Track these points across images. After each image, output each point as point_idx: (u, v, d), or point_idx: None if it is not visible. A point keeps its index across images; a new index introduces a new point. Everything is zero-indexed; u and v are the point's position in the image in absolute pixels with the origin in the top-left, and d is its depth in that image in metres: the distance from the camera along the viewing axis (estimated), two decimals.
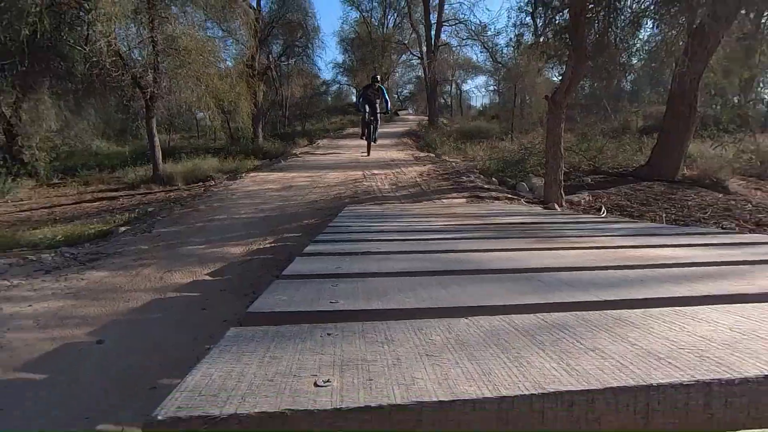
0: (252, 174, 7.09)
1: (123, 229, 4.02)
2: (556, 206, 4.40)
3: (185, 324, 1.92)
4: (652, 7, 5.59)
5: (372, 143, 8.27)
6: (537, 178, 5.77)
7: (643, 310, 0.69)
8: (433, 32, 16.50)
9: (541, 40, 6.95)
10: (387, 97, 7.96)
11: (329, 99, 24.51)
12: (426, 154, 9.12)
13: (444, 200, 4.51)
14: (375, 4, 19.42)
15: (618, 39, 5.71)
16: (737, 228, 4.04)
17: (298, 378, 0.47)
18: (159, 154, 7.90)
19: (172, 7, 8.04)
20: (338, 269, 1.07)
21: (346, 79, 22.37)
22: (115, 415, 1.27)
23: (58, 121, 9.36)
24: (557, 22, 6.58)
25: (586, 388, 0.43)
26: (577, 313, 0.68)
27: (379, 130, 8.45)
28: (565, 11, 5.75)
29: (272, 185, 5.88)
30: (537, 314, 0.67)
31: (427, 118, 17.00)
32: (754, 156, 7.44)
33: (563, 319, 0.64)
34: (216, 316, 1.96)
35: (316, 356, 0.53)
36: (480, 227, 2.22)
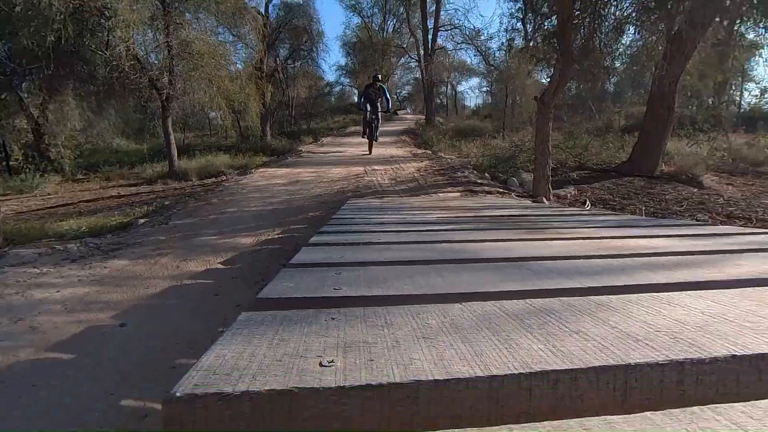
0: (261, 170, 7.06)
1: (142, 221, 4.01)
2: (544, 200, 4.39)
3: (200, 309, 1.92)
4: (633, 14, 5.57)
5: (374, 141, 7.99)
6: (526, 174, 5.75)
7: (623, 295, 0.69)
8: (430, 37, 16.38)
9: (531, 44, 6.91)
10: (388, 96, 7.69)
11: (333, 99, 24.33)
12: (423, 151, 9.07)
13: (440, 194, 4.49)
14: (375, 10, 19.22)
15: (602, 44, 5.69)
16: (710, 220, 4.04)
17: (305, 359, 0.47)
18: (174, 152, 7.86)
19: (186, 14, 7.95)
20: (341, 258, 1.07)
21: (348, 80, 22.20)
22: (137, 392, 1.28)
23: (81, 121, 9.33)
24: (546, 27, 6.54)
25: (570, 368, 0.44)
26: (563, 298, 0.68)
27: (380, 129, 8.13)
28: (553, 17, 5.70)
29: (280, 180, 5.86)
30: (526, 300, 0.67)
31: (424, 117, 16.92)
32: (726, 153, 7.46)
33: (550, 305, 0.65)
34: (228, 301, 1.96)
35: (321, 339, 0.53)
36: (473, 219, 2.22)
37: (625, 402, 0.43)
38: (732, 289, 0.72)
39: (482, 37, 16.81)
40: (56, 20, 6.10)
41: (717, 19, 5.14)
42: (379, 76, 8.06)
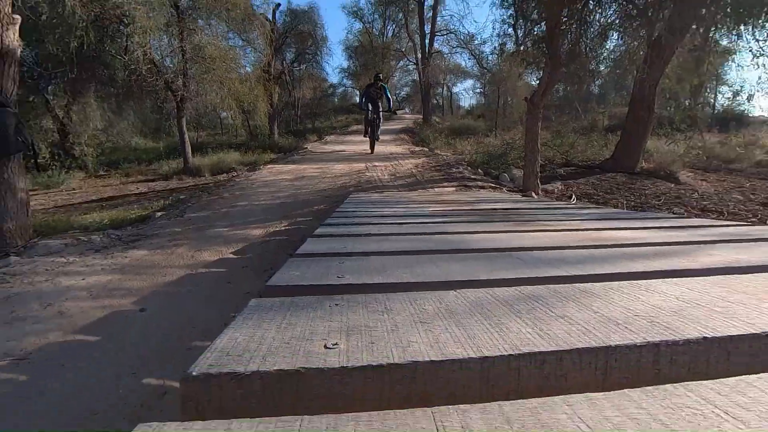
0: (269, 166, 7.03)
1: (159, 214, 4.01)
2: (533, 194, 4.39)
3: (213, 295, 1.93)
4: (617, 21, 5.55)
5: (376, 141, 7.55)
6: (517, 170, 5.73)
7: (605, 283, 0.69)
8: (427, 41, 16.27)
9: (522, 48, 6.87)
10: (389, 95, 7.28)
11: (336, 100, 24.17)
12: (420, 148, 9.03)
13: (436, 189, 4.48)
14: (376, 16, 19.00)
15: (588, 49, 5.67)
16: (685, 213, 4.04)
17: (311, 341, 0.47)
18: (188, 149, 7.83)
19: (199, 20, 7.88)
20: (344, 249, 1.06)
21: (350, 82, 22.03)
22: (157, 371, 1.29)
23: (102, 121, 9.32)
24: (535, 33, 6.50)
25: (556, 350, 0.44)
26: (550, 286, 0.68)
27: (380, 128, 7.66)
28: (542, 24, 5.66)
29: (286, 176, 5.84)
30: (515, 287, 0.67)
31: (421, 116, 16.82)
32: (701, 152, 7.45)
33: (537, 291, 0.65)
34: (239, 289, 1.96)
35: (326, 323, 0.53)
36: (467, 212, 2.22)
37: (606, 381, 0.44)
38: (704, 277, 0.72)
39: (476, 42, 16.80)
40: (79, 27, 6.15)
41: (694, 27, 5.16)
42: (381, 76, 7.65)
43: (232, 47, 8.84)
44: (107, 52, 7.48)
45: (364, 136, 7.74)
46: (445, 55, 18.38)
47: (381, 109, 7.18)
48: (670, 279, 0.71)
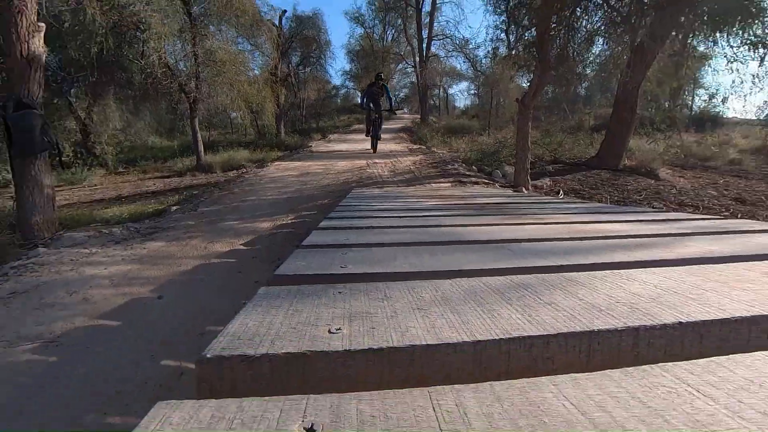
0: (276, 163, 7.01)
1: (174, 208, 4.00)
2: (524, 189, 4.38)
3: (225, 284, 1.93)
4: (602, 28, 5.53)
5: (378, 140, 7.22)
6: (509, 167, 5.70)
7: (589, 272, 0.69)
8: (424, 45, 16.10)
9: (513, 53, 6.81)
10: (390, 94, 7.00)
11: (339, 101, 23.97)
12: (418, 146, 8.98)
13: (433, 184, 4.47)
14: (376, 21, 18.79)
15: (575, 53, 5.64)
16: (664, 207, 4.04)
17: (316, 326, 0.47)
18: (201, 147, 7.79)
19: (210, 26, 7.79)
20: (347, 240, 1.06)
21: (352, 84, 21.84)
22: (173, 354, 1.30)
23: (121, 122, 9.30)
24: (526, 38, 6.44)
25: (543, 334, 0.44)
26: (538, 275, 0.68)
27: (382, 127, 7.34)
28: (533, 29, 5.61)
29: (292, 172, 5.82)
30: (506, 276, 0.67)
31: (419, 116, 16.71)
32: (679, 150, 7.43)
33: (527, 280, 0.65)
34: (249, 278, 1.96)
35: (330, 309, 0.53)
36: (462, 206, 2.21)
37: (589, 362, 0.44)
38: (680, 267, 0.72)
39: (470, 46, 16.61)
40: (99, 34, 6.19)
41: (673, 34, 5.16)
42: (382, 75, 7.31)
43: (242, 51, 8.76)
44: (125, 56, 7.45)
45: (366, 136, 7.39)
46: (442, 59, 18.18)
47: (383, 108, 6.90)
48: (649, 268, 0.72)
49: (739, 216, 3.64)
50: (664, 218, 1.62)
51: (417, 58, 16.66)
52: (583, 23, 5.51)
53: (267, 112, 9.53)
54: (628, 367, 0.38)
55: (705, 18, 4.65)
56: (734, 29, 4.68)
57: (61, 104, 8.16)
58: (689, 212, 3.56)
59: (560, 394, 0.34)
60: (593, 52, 6.31)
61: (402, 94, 27.43)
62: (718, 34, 4.88)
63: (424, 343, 0.42)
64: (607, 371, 0.38)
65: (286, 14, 12.98)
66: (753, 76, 5.22)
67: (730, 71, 5.11)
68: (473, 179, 4.80)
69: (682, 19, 4.72)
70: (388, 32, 19.23)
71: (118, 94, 8.79)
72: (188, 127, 8.39)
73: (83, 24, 6.07)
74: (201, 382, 0.40)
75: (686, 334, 0.46)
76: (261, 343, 0.42)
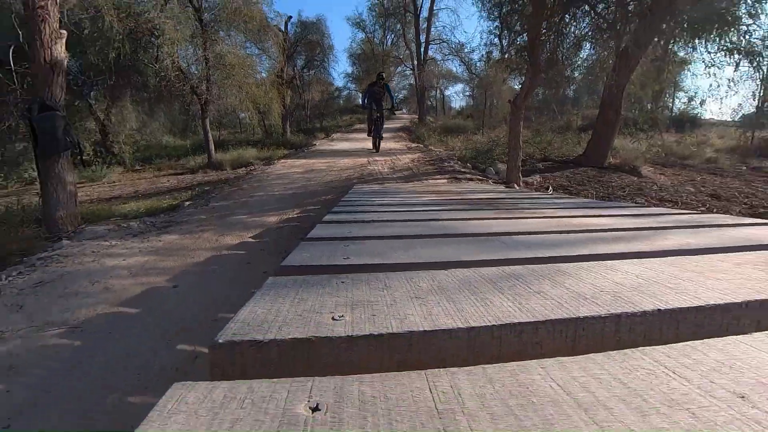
0: (282, 161, 6.97)
1: (187, 203, 3.99)
2: (516, 186, 4.37)
3: (235, 274, 1.94)
4: (590, 34, 5.50)
5: (380, 139, 6.94)
6: (501, 164, 5.68)
7: (576, 263, 0.69)
8: (422, 49, 15.95)
9: (506, 56, 6.76)
10: (392, 94, 6.73)
11: (341, 102, 23.78)
12: (416, 145, 8.93)
13: (430, 181, 4.46)
14: (377, 26, 18.58)
15: (564, 57, 5.61)
16: (646, 203, 4.03)
17: (320, 314, 0.47)
18: (212, 146, 7.76)
19: (220, 32, 7.72)
20: (349, 233, 1.06)
21: (354, 85, 21.67)
22: (188, 339, 1.31)
23: (137, 122, 9.27)
24: (518, 43, 6.39)
25: (532, 320, 0.44)
26: (528, 266, 0.68)
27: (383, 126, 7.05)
28: (524, 35, 5.57)
29: (298, 169, 5.80)
30: (498, 267, 0.67)
31: (417, 116, 16.61)
32: (660, 149, 7.41)
33: (518, 271, 0.65)
34: (258, 269, 1.97)
35: (333, 298, 0.53)
36: (457, 201, 2.21)
37: (575, 347, 0.44)
38: (660, 258, 0.72)
39: (466, 50, 16.46)
40: (116, 40, 6.24)
41: (656, 40, 5.15)
42: (383, 74, 6.91)
43: (250, 55, 8.68)
44: (141, 61, 7.43)
45: (368, 135, 7.14)
46: (439, 62, 18.03)
47: (384, 107, 6.65)
48: (631, 260, 0.72)
49: (714, 211, 3.64)
50: (645, 213, 1.62)
51: (415, 62, 16.51)
52: (572, 29, 5.49)
53: (274, 113, 9.47)
54: (610, 351, 0.39)
55: (685, 25, 4.67)
56: (712, 36, 4.70)
57: (81, 106, 8.13)
58: (669, 207, 3.55)
59: (548, 376, 0.34)
60: (581, 56, 6.28)
61: (401, 95, 27.25)
62: (697, 41, 4.90)
63: (421, 329, 0.42)
64: (591, 355, 0.38)
65: (292, 20, 12.83)
66: (729, 80, 5.27)
67: (708, 75, 5.17)
68: (468, 176, 4.79)
69: (664, 26, 4.73)
70: (387, 37, 19.05)
71: (134, 96, 8.77)
72: (200, 127, 8.35)
73: (102, 31, 6.09)
74: (214, 365, 0.40)
75: (664, 320, 0.46)
76: (269, 329, 0.42)
